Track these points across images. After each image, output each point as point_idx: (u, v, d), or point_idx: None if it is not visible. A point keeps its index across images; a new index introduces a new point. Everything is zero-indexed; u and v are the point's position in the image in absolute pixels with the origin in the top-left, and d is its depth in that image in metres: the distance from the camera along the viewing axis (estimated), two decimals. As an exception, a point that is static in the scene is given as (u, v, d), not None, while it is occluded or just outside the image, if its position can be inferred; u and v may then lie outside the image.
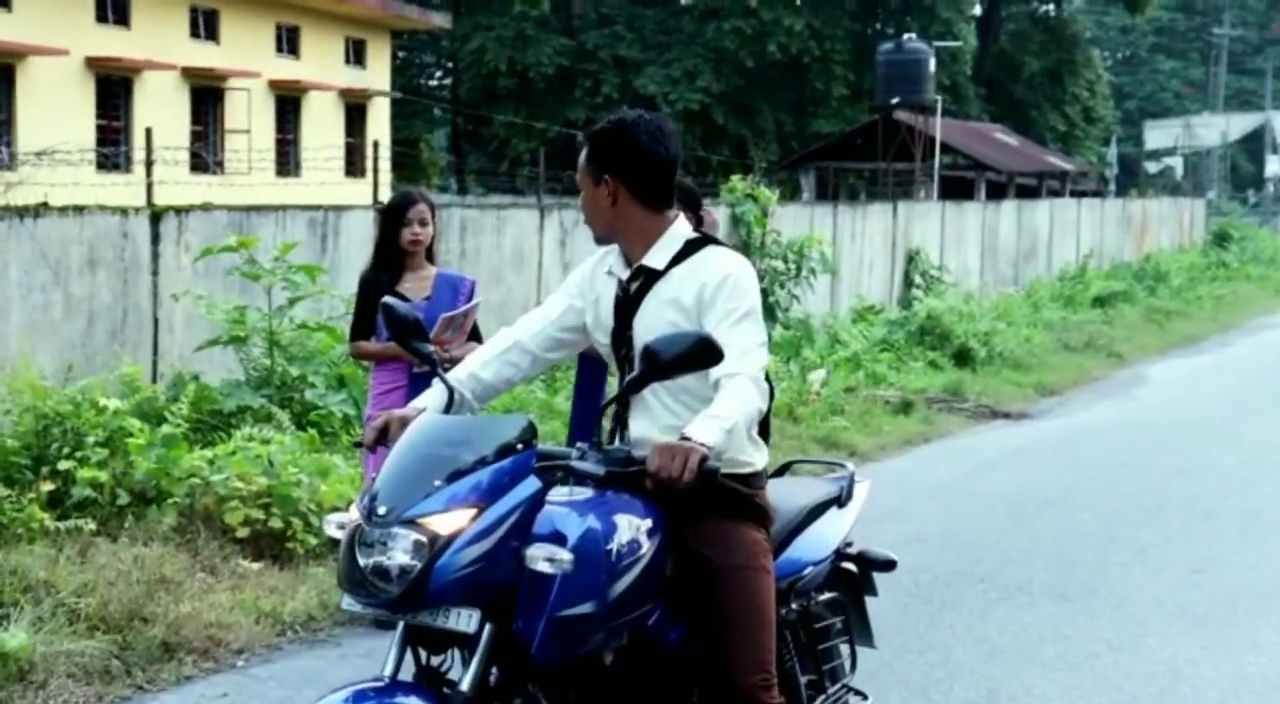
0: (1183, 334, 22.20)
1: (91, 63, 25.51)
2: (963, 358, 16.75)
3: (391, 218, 6.95)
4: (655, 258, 3.87)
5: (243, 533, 7.42)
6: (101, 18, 25.96)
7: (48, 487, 7.44)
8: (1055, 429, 13.39)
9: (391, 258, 6.93)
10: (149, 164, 11.24)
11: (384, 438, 3.75)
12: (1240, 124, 68.27)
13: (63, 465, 7.54)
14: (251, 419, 8.92)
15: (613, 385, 4.39)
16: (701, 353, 3.49)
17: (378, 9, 33.41)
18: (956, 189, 36.02)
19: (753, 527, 3.86)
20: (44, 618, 6.11)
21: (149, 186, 11.09)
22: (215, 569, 7.10)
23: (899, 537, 8.52)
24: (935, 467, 11.28)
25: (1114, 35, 76.36)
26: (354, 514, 3.42)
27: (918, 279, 21.72)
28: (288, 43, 30.75)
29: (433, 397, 3.87)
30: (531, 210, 14.29)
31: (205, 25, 28.44)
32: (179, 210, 10.56)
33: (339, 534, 3.47)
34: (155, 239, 10.30)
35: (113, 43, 25.89)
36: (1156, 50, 77.75)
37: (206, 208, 10.90)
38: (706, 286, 3.77)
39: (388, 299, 3.99)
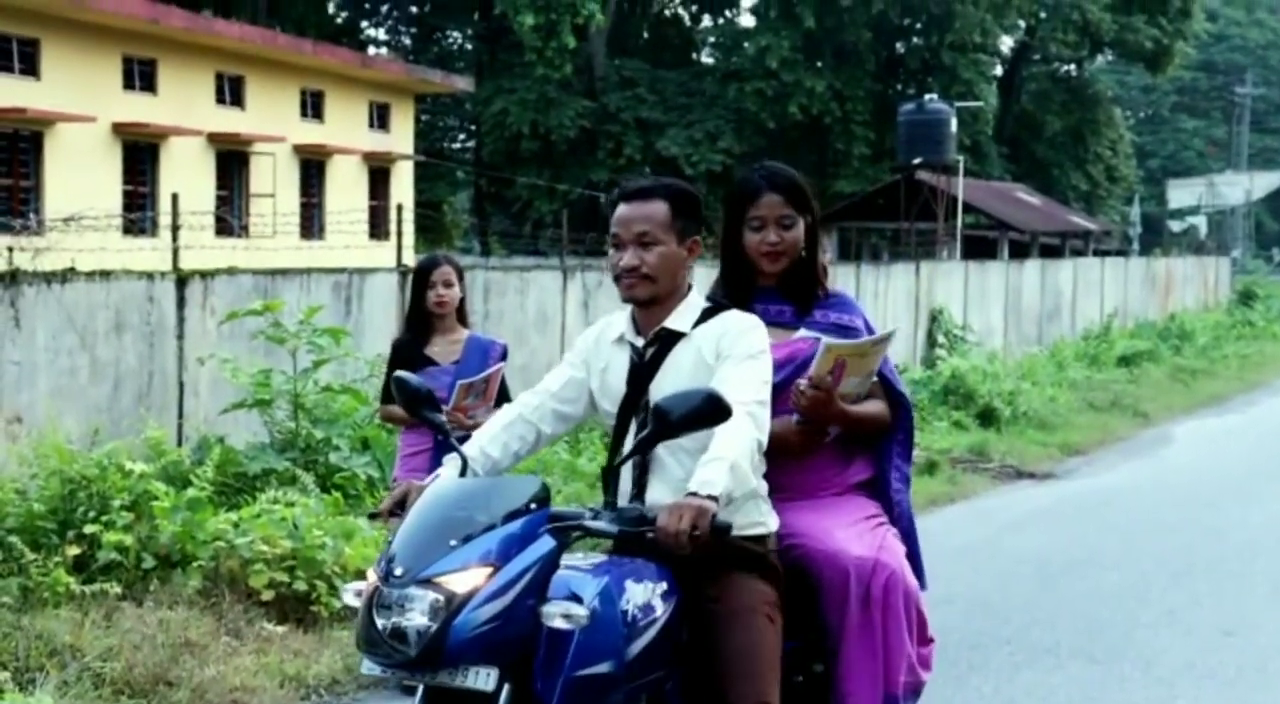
0: (1208, 393, 22.10)
1: (118, 129, 25.75)
2: (987, 418, 16.71)
3: (418, 281, 7.00)
4: (679, 321, 3.93)
5: (267, 596, 7.42)
6: (129, 84, 26.23)
7: (73, 550, 7.46)
8: (1081, 489, 13.33)
9: (421, 321, 6.97)
10: (175, 228, 11.32)
11: (402, 507, 3.79)
12: (1264, 182, 68.22)
13: (88, 529, 7.56)
14: (276, 482, 8.94)
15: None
16: (710, 410, 3.53)
17: (401, 73, 33.72)
18: (979, 249, 36.07)
19: (762, 581, 3.87)
20: (69, 682, 6.12)
21: (175, 251, 11.16)
22: (240, 632, 7.10)
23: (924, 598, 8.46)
24: (960, 527, 11.23)
25: (1136, 95, 76.52)
26: (371, 578, 3.45)
27: (941, 338, 21.70)
28: (312, 107, 31.01)
29: (448, 469, 3.91)
30: (554, 272, 14.34)
31: (231, 91, 28.71)
32: (204, 274, 10.63)
33: (357, 602, 3.50)
34: (181, 303, 10.36)
35: (140, 109, 26.14)
36: (1179, 109, 77.87)
37: (232, 272, 10.97)
38: (726, 335, 3.87)
39: (399, 372, 4.04)
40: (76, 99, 24.47)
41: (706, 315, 3.95)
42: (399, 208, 14.06)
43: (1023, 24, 51.08)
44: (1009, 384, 18.01)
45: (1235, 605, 8.78)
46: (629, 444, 3.89)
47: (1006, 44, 53.12)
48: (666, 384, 3.84)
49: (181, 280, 10.42)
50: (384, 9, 53.06)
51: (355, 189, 31.74)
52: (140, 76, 26.50)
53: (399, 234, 13.68)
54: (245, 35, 28.48)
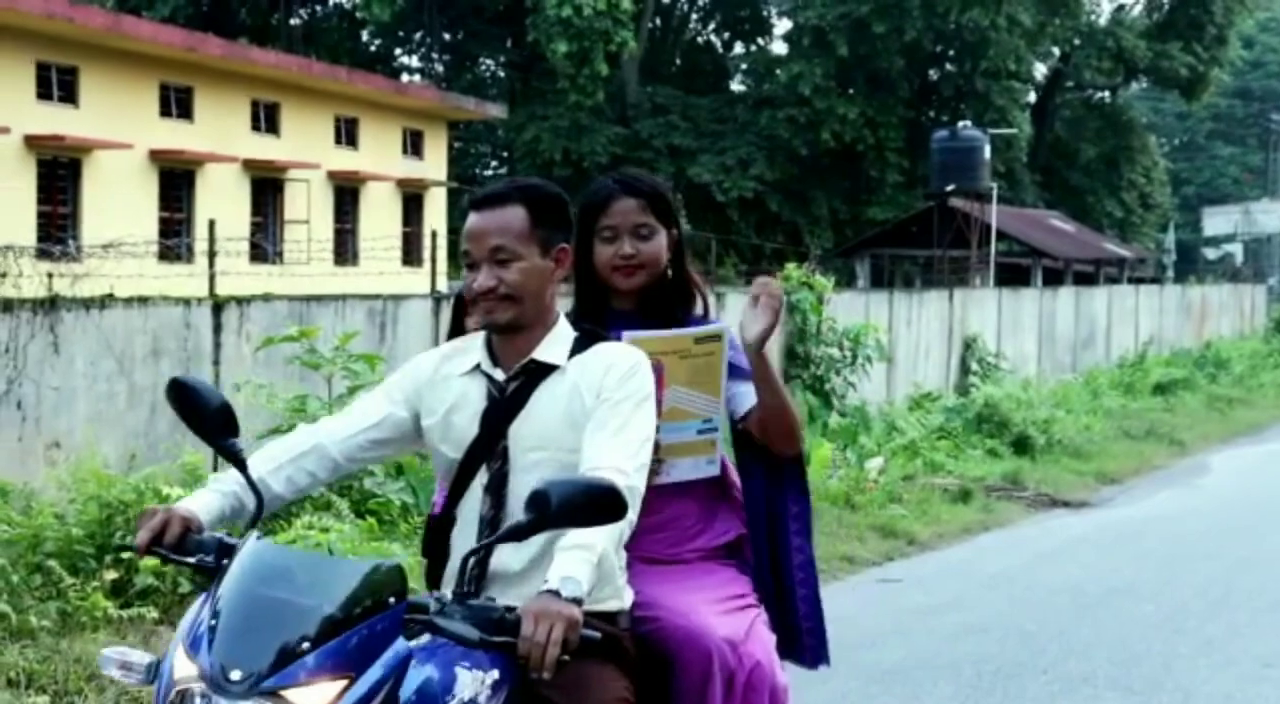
0: (1245, 422, 21.97)
1: (155, 156, 25.96)
2: (1021, 446, 16.64)
3: (458, 307, 7.02)
4: (550, 351, 3.38)
5: (303, 622, 7.42)
6: (165, 112, 26.46)
7: (111, 575, 7.50)
8: (1117, 518, 13.26)
9: None
10: (211, 255, 11.40)
11: (160, 540, 3.11)
12: (1299, 210, 67.88)
13: (126, 554, 7.59)
14: (311, 508, 8.95)
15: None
16: (604, 505, 2.88)
17: (434, 100, 33.91)
18: (1013, 276, 36.01)
19: (614, 670, 3.28)
20: (106, 707, 6.14)
21: (211, 277, 11.25)
22: (275, 658, 7.10)
23: (959, 627, 8.44)
24: (995, 556, 11.18)
25: (1171, 121, 76.33)
26: (181, 665, 2.77)
27: (975, 366, 21.64)
28: (346, 134, 31.20)
29: (225, 501, 3.30)
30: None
31: (266, 118, 28.92)
32: (240, 301, 10.69)
33: (120, 675, 2.94)
34: (217, 329, 10.42)
35: (176, 136, 26.35)
36: (1214, 136, 77.61)
37: (267, 298, 11.03)
38: (613, 369, 3.32)
39: (178, 376, 3.33)
40: (114, 126, 24.69)
41: (579, 345, 3.39)
42: (433, 234, 14.14)
43: (1057, 51, 51.14)
44: (1043, 412, 17.94)
45: (1275, 636, 8.70)
46: (475, 491, 3.37)
47: (1040, 71, 53.16)
48: (533, 424, 3.34)
49: (218, 306, 10.48)
50: (417, 37, 53.36)
51: (389, 215, 31.89)
52: (177, 104, 26.73)
53: (433, 261, 13.74)
54: (281, 63, 28.72)
